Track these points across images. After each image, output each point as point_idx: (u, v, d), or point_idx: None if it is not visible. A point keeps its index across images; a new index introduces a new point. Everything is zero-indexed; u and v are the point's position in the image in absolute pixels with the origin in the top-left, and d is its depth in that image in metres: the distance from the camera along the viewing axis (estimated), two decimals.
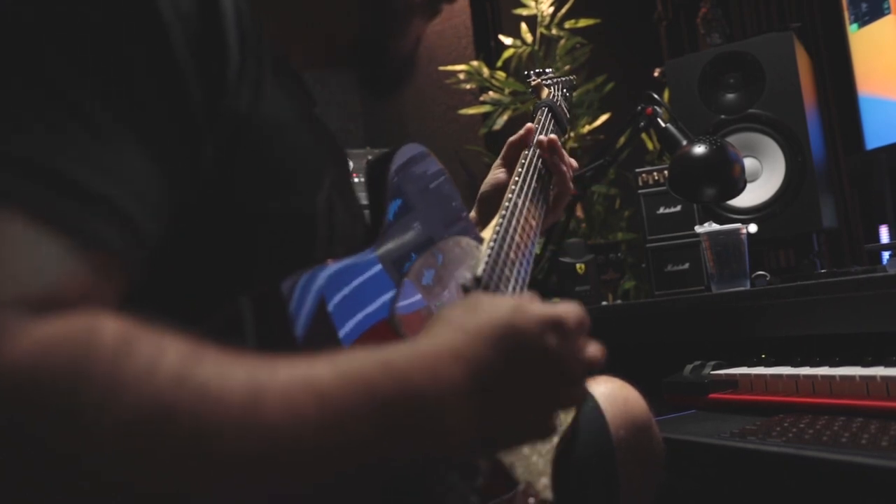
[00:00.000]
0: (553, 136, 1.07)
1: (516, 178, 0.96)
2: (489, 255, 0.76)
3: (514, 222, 0.86)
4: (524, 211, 0.90)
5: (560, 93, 1.28)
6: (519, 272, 0.80)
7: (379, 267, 0.62)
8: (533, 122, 1.14)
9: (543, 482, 0.63)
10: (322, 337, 0.52)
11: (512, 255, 0.80)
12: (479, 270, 0.73)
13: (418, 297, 0.64)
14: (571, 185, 1.07)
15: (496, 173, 1.09)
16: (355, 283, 0.58)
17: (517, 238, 0.84)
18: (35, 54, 0.42)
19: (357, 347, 0.53)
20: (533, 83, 1.35)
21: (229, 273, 0.53)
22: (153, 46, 0.46)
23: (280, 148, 0.55)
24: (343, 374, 0.43)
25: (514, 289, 0.77)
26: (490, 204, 1.04)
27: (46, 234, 0.39)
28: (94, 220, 0.41)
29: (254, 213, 0.53)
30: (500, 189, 1.04)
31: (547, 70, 1.40)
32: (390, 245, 0.66)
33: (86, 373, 0.35)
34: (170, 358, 0.38)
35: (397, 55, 0.71)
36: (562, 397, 0.54)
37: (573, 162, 1.09)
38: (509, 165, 1.08)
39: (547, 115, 1.16)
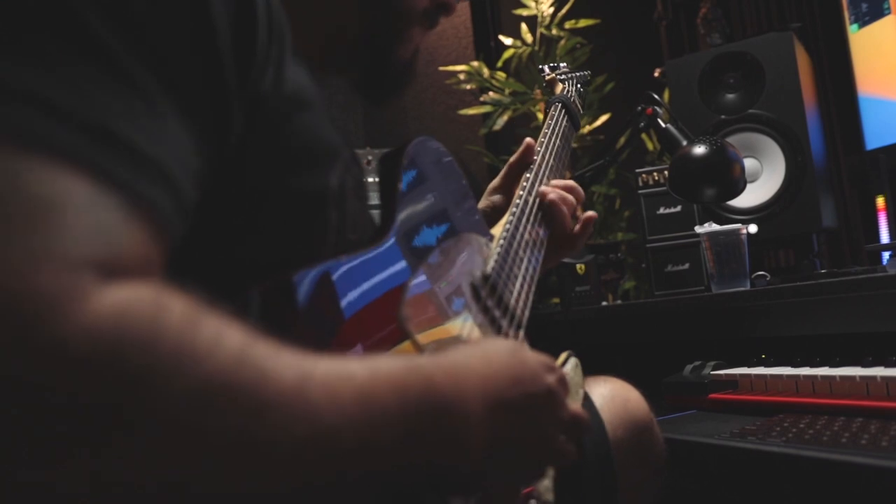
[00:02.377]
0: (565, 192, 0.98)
1: (528, 175, 0.95)
2: (498, 253, 0.76)
3: (524, 220, 0.86)
4: (535, 208, 0.90)
5: (574, 88, 1.26)
6: (527, 270, 0.80)
7: (392, 239, 0.62)
8: (546, 118, 1.13)
9: (545, 484, 0.63)
10: (324, 307, 0.52)
11: (521, 252, 0.80)
12: (489, 268, 0.73)
13: (422, 278, 0.64)
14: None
15: (492, 198, 1.04)
16: (367, 255, 0.58)
17: (527, 236, 0.84)
18: (88, 26, 0.42)
19: (360, 318, 0.54)
20: (547, 78, 1.33)
21: (242, 256, 0.53)
22: (196, 20, 0.47)
23: (296, 126, 0.56)
24: (376, 371, 0.44)
25: (522, 286, 0.77)
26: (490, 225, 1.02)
27: (108, 195, 0.39)
28: (152, 184, 0.41)
29: (268, 190, 0.54)
30: (495, 213, 1.00)
31: (561, 64, 1.38)
32: (403, 215, 0.66)
33: (158, 342, 0.36)
34: (232, 335, 0.39)
35: (397, 61, 0.72)
36: (554, 439, 0.57)
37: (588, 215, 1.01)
38: (506, 188, 1.03)
39: (560, 110, 1.15)
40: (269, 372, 0.39)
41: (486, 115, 2.52)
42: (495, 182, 1.05)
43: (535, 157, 1.00)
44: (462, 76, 2.54)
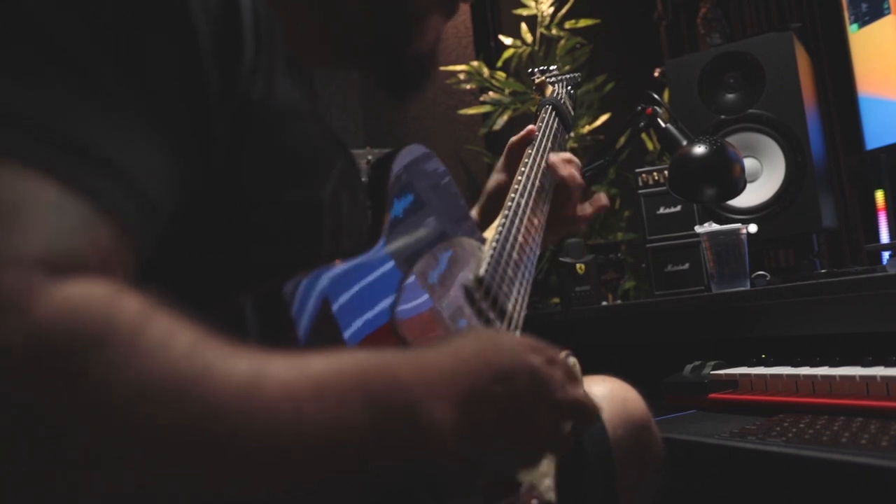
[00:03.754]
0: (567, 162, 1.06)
1: (519, 178, 0.96)
2: (491, 256, 0.76)
3: (516, 222, 0.85)
4: (527, 211, 0.90)
5: (565, 90, 1.26)
6: (522, 273, 0.79)
7: (391, 264, 0.62)
8: (537, 120, 1.13)
9: (547, 483, 0.63)
10: (326, 338, 0.51)
11: (515, 255, 0.80)
12: (482, 271, 0.72)
13: (424, 297, 0.63)
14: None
15: (497, 177, 1.09)
16: (364, 281, 0.57)
17: (520, 238, 0.84)
18: (57, 36, 0.42)
19: (365, 347, 0.53)
20: (537, 81, 1.33)
21: (235, 264, 0.53)
22: (176, 29, 0.47)
23: (288, 138, 0.55)
24: (335, 364, 0.43)
25: (517, 289, 0.76)
26: (493, 207, 1.04)
27: (70, 198, 0.39)
28: (114, 188, 0.42)
29: (261, 201, 0.53)
30: (501, 192, 1.03)
31: (551, 67, 1.38)
32: (402, 242, 0.65)
33: (106, 338, 0.36)
34: (183, 335, 0.38)
35: (415, 55, 0.70)
36: (549, 423, 0.54)
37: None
38: (510, 168, 1.06)
39: (551, 113, 1.15)
40: (219, 369, 0.38)
41: (486, 115, 2.52)
42: (500, 162, 1.10)
43: (527, 160, 1.00)
44: (462, 76, 2.54)
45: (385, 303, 0.58)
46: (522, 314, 0.76)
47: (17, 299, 0.35)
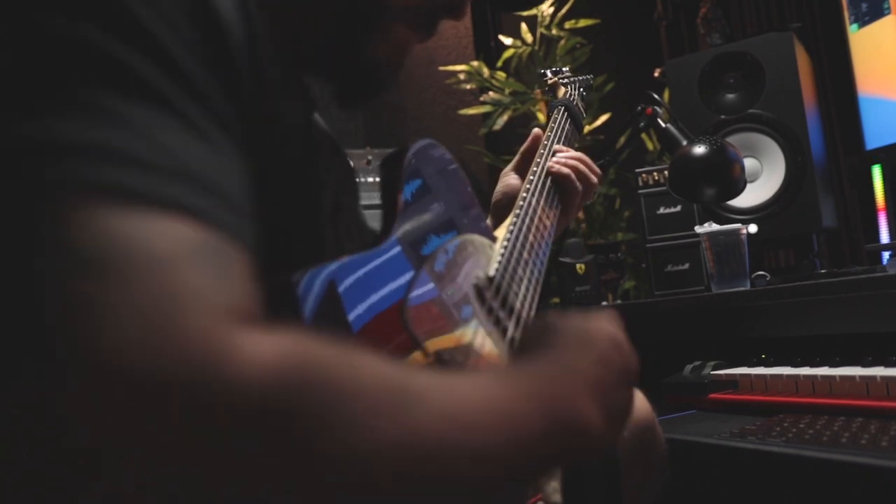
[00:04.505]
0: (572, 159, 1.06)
1: (531, 177, 0.96)
2: (502, 255, 0.76)
3: (527, 221, 0.85)
4: (538, 210, 0.90)
5: (577, 92, 1.26)
6: (532, 272, 0.80)
7: (398, 249, 0.62)
8: (549, 121, 1.13)
9: (553, 485, 0.63)
10: (331, 320, 0.51)
11: (525, 255, 0.80)
12: (492, 270, 0.72)
13: (430, 286, 0.63)
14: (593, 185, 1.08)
15: (507, 179, 1.08)
16: (371, 265, 0.57)
17: (531, 238, 0.84)
18: (136, 71, 0.41)
19: (368, 331, 0.54)
20: (549, 81, 1.33)
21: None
22: (220, 55, 0.46)
23: (289, 148, 0.55)
24: (515, 387, 0.46)
25: (527, 289, 0.76)
26: (503, 210, 1.03)
27: (220, 241, 0.38)
28: (241, 222, 0.41)
29: (263, 212, 0.54)
30: (512, 195, 1.03)
31: (564, 68, 1.39)
32: (409, 226, 0.65)
33: (336, 392, 0.35)
34: (382, 367, 0.39)
35: (370, 60, 0.66)
36: (633, 381, 0.59)
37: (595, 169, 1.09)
38: (521, 171, 1.07)
39: (563, 113, 1.15)
40: (469, 403, 0.40)
41: (486, 115, 2.52)
42: (508, 168, 1.10)
43: (538, 160, 1.00)
44: (462, 76, 2.54)
45: (391, 286, 0.58)
46: (532, 314, 0.76)
47: (218, 355, 0.33)
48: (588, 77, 1.34)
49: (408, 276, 0.60)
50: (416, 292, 0.60)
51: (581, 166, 1.04)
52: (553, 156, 1.04)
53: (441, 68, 2.63)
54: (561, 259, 1.71)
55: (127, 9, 0.41)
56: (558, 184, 1.01)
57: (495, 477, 0.41)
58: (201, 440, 0.32)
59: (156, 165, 0.38)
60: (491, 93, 2.50)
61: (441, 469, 0.37)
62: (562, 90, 1.27)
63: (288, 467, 0.33)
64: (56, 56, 0.38)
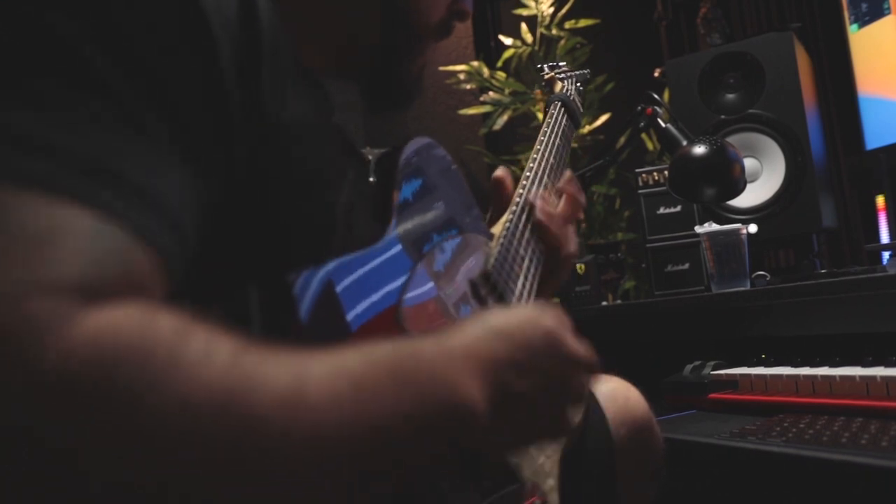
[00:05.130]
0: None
1: (528, 174, 0.95)
2: (499, 252, 0.76)
3: (524, 218, 0.85)
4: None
5: (574, 86, 1.26)
6: (528, 268, 0.79)
7: (399, 247, 0.62)
8: (545, 116, 1.13)
9: (550, 483, 0.63)
10: (328, 319, 0.51)
11: (522, 250, 0.80)
12: (489, 266, 0.72)
13: (429, 285, 0.63)
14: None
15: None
16: (370, 265, 0.57)
17: (527, 234, 0.83)
18: (88, 64, 0.43)
19: (368, 329, 0.53)
20: (546, 76, 1.32)
21: (246, 266, 0.53)
22: (199, 53, 0.47)
23: (301, 151, 0.56)
24: (371, 359, 0.44)
25: (523, 285, 0.76)
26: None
27: (105, 225, 0.40)
28: (148, 215, 0.42)
29: (275, 209, 0.54)
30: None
31: (560, 63, 1.38)
32: (410, 225, 0.65)
33: (144, 357, 0.36)
34: (223, 348, 0.39)
35: (406, 75, 0.72)
36: (571, 381, 0.55)
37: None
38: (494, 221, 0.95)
39: (560, 109, 1.14)
40: (262, 378, 0.38)
41: (486, 115, 2.52)
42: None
43: (536, 156, 1.00)
44: (462, 76, 2.54)
45: (391, 286, 0.58)
46: None
47: (52, 324, 0.35)
48: (585, 72, 1.34)
49: (407, 276, 0.60)
50: (413, 292, 0.60)
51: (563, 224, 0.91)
52: (554, 156, 1.01)
53: (441, 68, 2.63)
54: None
55: (100, 3, 0.43)
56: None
57: (345, 450, 0.40)
58: (12, 407, 0.33)
59: (61, 149, 0.40)
60: (491, 93, 2.50)
61: (260, 448, 0.37)
62: (558, 85, 1.26)
63: (99, 438, 0.34)
64: (9, 34, 0.41)
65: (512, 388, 0.49)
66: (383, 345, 0.46)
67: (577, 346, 0.56)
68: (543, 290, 0.87)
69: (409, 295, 0.60)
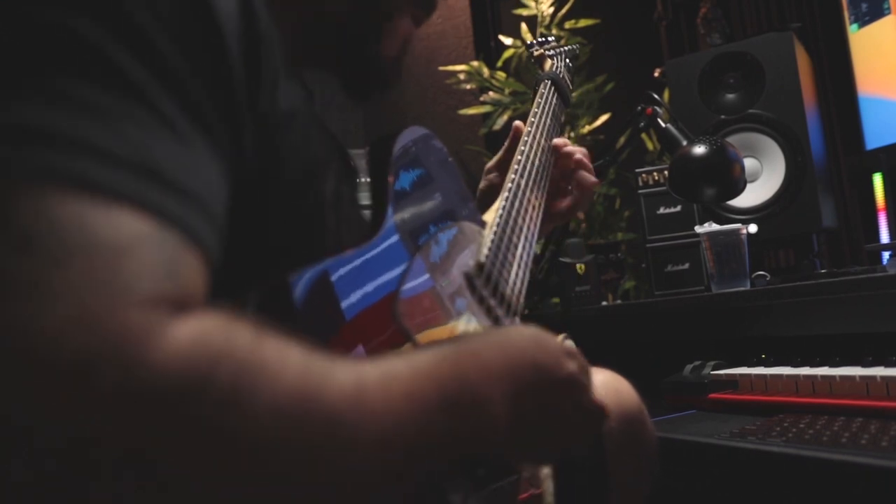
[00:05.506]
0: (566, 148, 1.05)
1: (519, 157, 0.93)
2: (492, 241, 0.75)
3: (516, 204, 0.85)
4: (527, 192, 0.89)
5: (563, 63, 1.24)
6: (521, 256, 0.79)
7: (396, 237, 0.62)
8: (535, 96, 1.11)
9: (545, 472, 0.63)
10: (322, 307, 0.52)
11: (515, 238, 0.80)
12: (482, 256, 0.72)
13: (425, 277, 0.63)
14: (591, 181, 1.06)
15: (489, 177, 1.07)
16: (367, 254, 0.57)
17: (520, 221, 0.83)
18: (115, 65, 0.42)
19: (363, 319, 0.54)
20: (536, 53, 1.31)
21: (238, 265, 0.53)
22: (214, 52, 0.47)
23: (290, 140, 0.56)
24: (418, 369, 0.45)
25: (516, 274, 0.76)
26: (489, 200, 1.03)
27: (167, 232, 0.40)
28: (197, 217, 0.42)
29: (266, 201, 0.54)
30: (492, 193, 1.02)
31: (549, 38, 1.36)
32: (408, 215, 0.65)
33: (238, 367, 0.37)
34: (294, 351, 0.40)
35: (380, 55, 0.69)
36: (578, 425, 0.58)
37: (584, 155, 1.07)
38: (502, 167, 1.05)
39: (550, 88, 1.12)
40: (332, 381, 0.40)
41: (486, 115, 2.52)
42: (491, 163, 1.07)
43: (526, 138, 0.99)
44: (462, 76, 2.54)
45: (388, 275, 0.58)
46: (522, 299, 0.75)
47: (141, 340, 0.35)
48: (574, 47, 1.32)
49: (404, 266, 0.60)
50: (408, 284, 0.60)
51: (585, 160, 1.03)
52: (545, 136, 1.02)
53: (441, 68, 2.63)
54: (561, 259, 1.71)
55: (116, 1, 0.43)
56: (555, 164, 1.01)
57: (394, 456, 0.41)
58: (118, 421, 0.33)
59: (116, 157, 0.39)
60: (491, 93, 2.50)
61: (336, 449, 0.39)
62: (548, 63, 1.25)
63: (201, 446, 0.35)
64: (37, 42, 0.40)
65: (528, 417, 0.52)
66: (427, 354, 0.48)
67: (593, 398, 0.59)
68: (554, 220, 1.03)
69: (406, 287, 0.60)
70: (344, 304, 0.53)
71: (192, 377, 0.35)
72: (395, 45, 0.70)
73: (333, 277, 0.53)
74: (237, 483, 0.36)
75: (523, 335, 0.56)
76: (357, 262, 0.56)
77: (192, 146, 0.44)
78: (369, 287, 0.56)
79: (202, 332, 0.37)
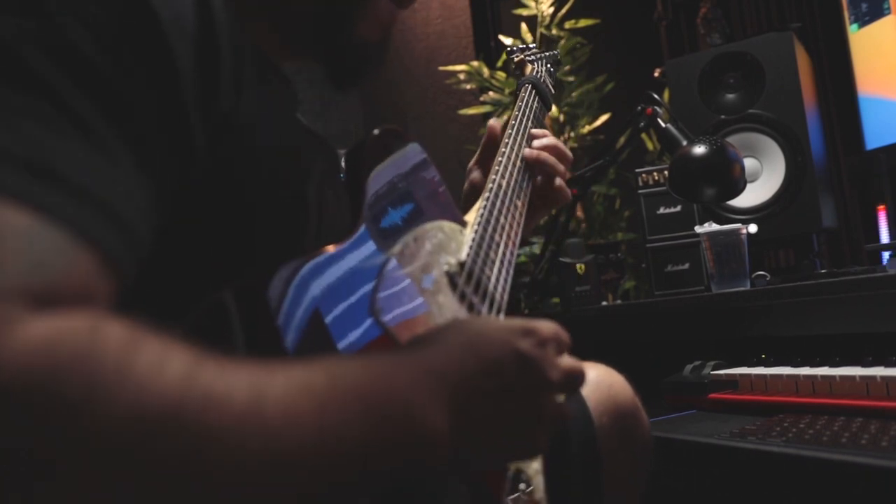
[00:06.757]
0: (544, 140, 1.02)
1: (500, 159, 0.93)
2: (473, 240, 0.75)
3: (498, 204, 0.84)
4: (509, 192, 0.88)
5: (544, 68, 1.25)
6: (504, 255, 0.79)
7: (370, 243, 0.61)
8: (516, 100, 1.12)
9: (534, 467, 0.63)
10: (317, 351, 0.51)
11: (497, 237, 0.79)
12: (464, 255, 0.72)
13: (419, 301, 0.63)
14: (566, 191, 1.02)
15: (471, 177, 1.05)
16: (362, 291, 0.57)
17: (502, 220, 0.83)
18: (28, 63, 0.42)
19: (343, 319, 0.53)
20: (516, 59, 1.32)
21: (217, 265, 0.53)
22: (153, 52, 0.47)
23: (263, 143, 0.56)
24: (337, 378, 0.43)
25: (499, 272, 0.76)
26: (472, 201, 1.02)
27: (48, 228, 0.39)
28: (92, 218, 0.41)
29: (242, 204, 0.54)
30: (475, 193, 1.00)
31: (530, 45, 1.37)
32: (381, 217, 0.65)
33: (93, 369, 0.35)
34: (176, 359, 0.38)
35: (359, 40, 0.68)
36: (542, 406, 0.54)
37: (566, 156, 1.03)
38: (484, 165, 1.03)
39: (531, 92, 1.13)
40: (218, 392, 0.37)
41: (486, 115, 2.52)
42: (471, 163, 1.06)
43: (507, 140, 0.99)
44: (462, 76, 2.54)
45: (367, 287, 0.58)
46: (506, 297, 0.75)
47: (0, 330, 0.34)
48: (555, 52, 1.32)
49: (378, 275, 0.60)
50: (388, 292, 0.60)
51: (551, 157, 1.00)
52: (526, 139, 1.02)
53: (441, 68, 2.63)
54: (561, 259, 1.71)
55: (41, 4, 0.43)
56: (532, 169, 0.99)
57: (298, 470, 0.39)
58: None
59: (4, 150, 0.39)
60: (491, 93, 2.50)
61: (216, 462, 0.37)
62: (528, 67, 1.25)
63: (44, 444, 0.33)
64: None
65: (478, 412, 0.49)
66: (353, 362, 0.46)
67: (553, 368, 0.55)
68: (534, 217, 1.00)
69: (394, 314, 0.59)
70: (341, 345, 0.52)
71: (40, 374, 0.34)
72: (375, 28, 0.69)
73: (328, 320, 0.52)
74: (87, 486, 0.34)
75: (462, 330, 0.53)
76: (354, 299, 0.55)
77: (106, 149, 0.43)
78: (367, 324, 0.55)
79: (63, 330, 0.35)
